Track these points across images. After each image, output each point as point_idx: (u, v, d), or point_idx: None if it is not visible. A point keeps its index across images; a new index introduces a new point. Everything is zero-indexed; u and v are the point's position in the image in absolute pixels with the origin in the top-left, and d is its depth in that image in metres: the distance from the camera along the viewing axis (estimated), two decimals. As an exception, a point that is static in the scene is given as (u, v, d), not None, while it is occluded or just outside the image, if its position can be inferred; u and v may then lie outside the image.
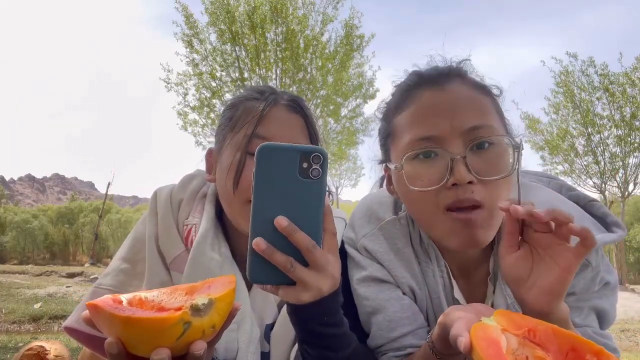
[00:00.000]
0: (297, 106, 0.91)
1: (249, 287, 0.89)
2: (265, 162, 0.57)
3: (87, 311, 0.52)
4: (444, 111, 0.76)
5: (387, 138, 0.86)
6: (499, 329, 0.53)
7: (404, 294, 0.87)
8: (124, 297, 0.53)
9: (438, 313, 0.87)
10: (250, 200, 0.84)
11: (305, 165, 0.57)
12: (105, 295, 0.51)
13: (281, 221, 0.56)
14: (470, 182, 0.72)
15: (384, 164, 0.88)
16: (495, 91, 0.84)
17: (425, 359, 0.73)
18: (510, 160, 0.75)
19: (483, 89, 0.81)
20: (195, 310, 0.49)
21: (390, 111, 0.86)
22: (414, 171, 0.76)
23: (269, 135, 0.85)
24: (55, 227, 19.64)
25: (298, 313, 0.66)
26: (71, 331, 0.87)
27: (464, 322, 0.57)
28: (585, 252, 0.59)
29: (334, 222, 0.62)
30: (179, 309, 0.49)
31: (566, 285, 0.62)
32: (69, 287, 9.52)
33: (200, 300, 0.50)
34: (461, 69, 0.83)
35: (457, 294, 0.86)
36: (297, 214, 0.58)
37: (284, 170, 0.57)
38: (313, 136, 0.93)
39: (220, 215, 0.94)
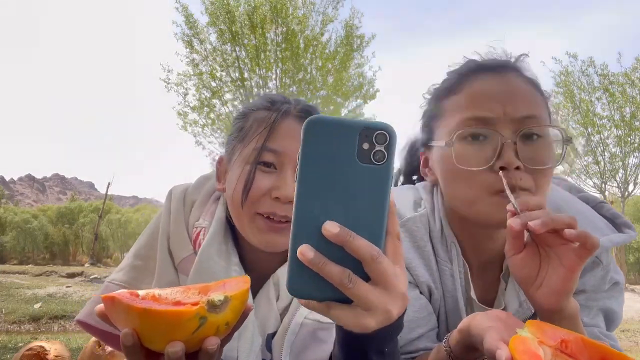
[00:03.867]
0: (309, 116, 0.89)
1: (254, 294, 0.87)
2: (314, 141, 0.45)
3: (100, 305, 0.53)
4: (498, 95, 0.78)
5: (433, 119, 0.87)
6: (536, 341, 0.53)
7: (421, 293, 0.87)
8: (139, 292, 0.54)
9: (451, 313, 0.87)
10: (259, 213, 0.83)
11: (366, 146, 0.45)
12: (121, 290, 0.52)
13: (330, 227, 0.44)
14: (517, 168, 0.74)
15: (421, 148, 0.93)
16: (546, 93, 0.87)
17: None
18: (559, 152, 0.78)
19: (537, 86, 0.84)
20: (212, 306, 0.50)
21: (441, 93, 0.87)
22: (463, 151, 0.78)
23: (279, 148, 0.83)
24: (55, 227, 19.60)
25: (354, 341, 0.51)
26: (83, 325, 0.87)
27: (496, 332, 0.56)
28: (587, 254, 0.60)
29: (398, 223, 0.49)
30: (196, 303, 0.50)
31: (573, 284, 0.62)
32: (69, 287, 9.51)
33: (217, 296, 0.51)
34: (520, 63, 0.86)
35: (473, 293, 0.87)
36: (354, 210, 0.45)
37: (338, 151, 0.45)
38: None
39: (230, 219, 0.92)
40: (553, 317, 0.63)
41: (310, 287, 0.45)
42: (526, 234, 0.66)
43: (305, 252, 0.44)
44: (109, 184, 18.59)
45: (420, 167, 0.93)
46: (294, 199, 0.46)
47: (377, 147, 0.45)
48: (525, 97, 0.78)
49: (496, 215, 0.76)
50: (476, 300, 0.86)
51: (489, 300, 0.89)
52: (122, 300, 0.49)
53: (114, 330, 0.51)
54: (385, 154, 0.45)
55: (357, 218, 0.45)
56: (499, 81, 0.80)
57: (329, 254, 0.44)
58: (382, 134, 0.45)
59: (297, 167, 0.46)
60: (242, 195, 0.82)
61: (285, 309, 0.87)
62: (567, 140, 0.78)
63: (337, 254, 0.44)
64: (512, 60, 0.86)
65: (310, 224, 0.45)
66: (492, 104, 0.77)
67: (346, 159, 0.45)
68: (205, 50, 12.52)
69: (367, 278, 0.45)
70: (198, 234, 0.90)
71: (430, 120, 0.89)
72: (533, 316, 0.84)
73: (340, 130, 0.45)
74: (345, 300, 0.46)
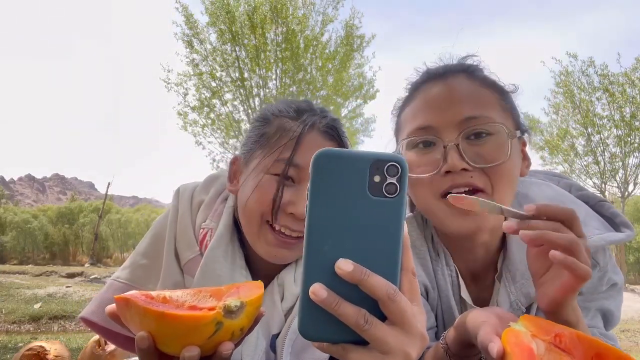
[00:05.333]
0: (334, 133, 0.88)
1: None
2: (324, 176, 0.43)
3: (112, 305, 0.53)
4: (442, 102, 0.79)
5: (396, 132, 0.91)
6: (529, 334, 0.53)
7: None
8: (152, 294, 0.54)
9: (446, 312, 0.87)
10: (268, 221, 0.82)
11: (377, 178, 0.43)
12: (133, 291, 0.52)
13: (344, 265, 0.42)
14: (465, 170, 0.74)
15: None
16: (510, 88, 0.86)
17: None
18: (507, 150, 0.75)
19: (490, 85, 0.83)
20: (228, 311, 0.50)
21: (400, 107, 0.90)
22: (413, 159, 0.80)
23: (301, 163, 0.81)
24: (55, 227, 19.58)
25: None
26: (87, 322, 0.87)
27: (490, 326, 0.57)
28: (578, 282, 0.59)
29: (412, 258, 0.47)
30: (212, 309, 0.50)
31: (566, 298, 0.62)
32: (69, 287, 9.50)
33: (233, 302, 0.51)
34: (470, 65, 0.85)
35: (464, 293, 0.87)
36: (367, 246, 0.43)
37: (349, 185, 0.43)
38: None
39: (238, 221, 0.91)
40: (549, 318, 0.64)
41: (324, 328, 0.43)
42: None
43: (318, 291, 0.42)
44: (109, 184, 18.59)
45: None
46: (304, 236, 0.44)
47: (389, 180, 0.44)
48: (468, 99, 0.78)
49: (452, 225, 0.77)
50: (467, 301, 0.87)
51: (484, 301, 0.89)
52: (137, 303, 0.49)
53: (120, 329, 0.51)
54: (398, 186, 0.43)
55: (370, 254, 0.43)
56: (443, 87, 0.81)
57: (343, 293, 0.42)
58: (393, 166, 0.44)
59: (307, 203, 0.44)
60: (272, 215, 0.81)
61: (290, 310, 0.87)
62: (511, 135, 0.76)
63: (351, 293, 0.42)
64: (462, 62, 0.86)
65: (322, 262, 0.43)
66: (435, 111, 0.79)
67: (357, 193, 0.43)
68: (205, 50, 12.52)
69: (383, 318, 0.43)
70: (205, 235, 0.89)
71: (395, 133, 0.92)
72: None
73: (350, 164, 0.44)
74: (361, 342, 0.43)
